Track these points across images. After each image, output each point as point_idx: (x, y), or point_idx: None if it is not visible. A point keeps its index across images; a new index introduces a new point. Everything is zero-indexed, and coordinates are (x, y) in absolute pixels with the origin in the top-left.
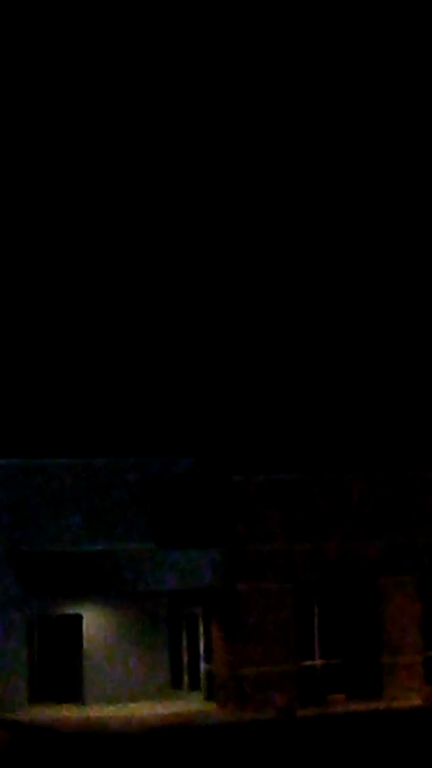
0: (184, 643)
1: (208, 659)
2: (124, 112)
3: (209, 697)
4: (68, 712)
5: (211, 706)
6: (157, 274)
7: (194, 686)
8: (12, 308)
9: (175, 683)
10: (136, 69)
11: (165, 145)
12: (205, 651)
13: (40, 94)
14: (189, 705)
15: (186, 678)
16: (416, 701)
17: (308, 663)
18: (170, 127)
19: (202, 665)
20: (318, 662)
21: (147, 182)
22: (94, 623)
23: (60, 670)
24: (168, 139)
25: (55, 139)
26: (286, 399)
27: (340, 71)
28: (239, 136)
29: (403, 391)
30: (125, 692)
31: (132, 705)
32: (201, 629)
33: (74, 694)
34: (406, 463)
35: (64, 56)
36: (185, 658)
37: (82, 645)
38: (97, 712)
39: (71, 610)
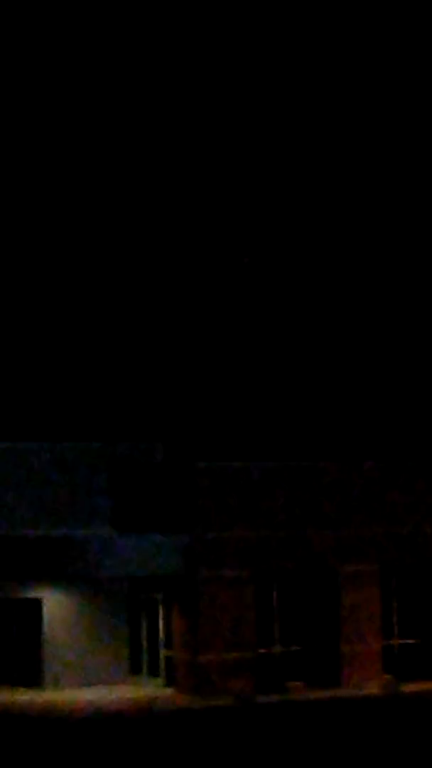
0: (144, 628)
1: (168, 645)
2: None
3: (168, 683)
4: (27, 696)
5: (170, 692)
6: (135, 265)
7: (154, 672)
8: None
9: (135, 669)
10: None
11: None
12: (164, 637)
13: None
14: (148, 690)
15: (145, 663)
16: (374, 690)
17: (268, 650)
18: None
19: (162, 651)
20: (277, 649)
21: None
22: (54, 607)
23: (19, 654)
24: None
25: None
26: (251, 387)
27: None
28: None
29: (372, 381)
30: (84, 677)
31: (91, 690)
32: (161, 615)
33: (33, 678)
34: (371, 454)
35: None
36: (145, 644)
37: (41, 629)
38: (55, 696)
39: (31, 594)
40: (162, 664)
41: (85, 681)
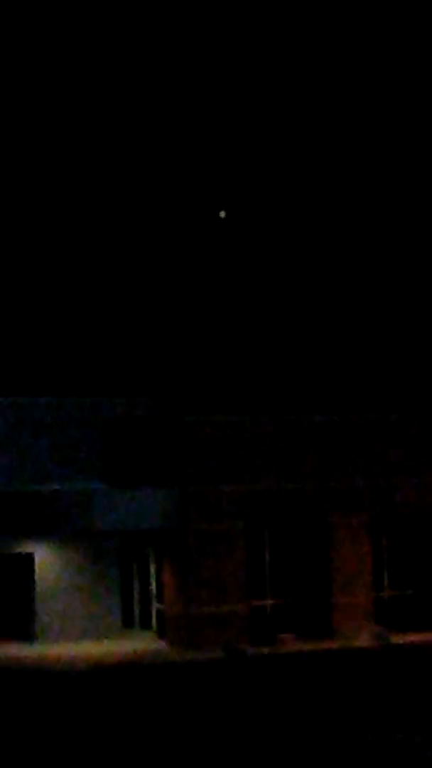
0: (136, 582)
1: (160, 598)
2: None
3: (160, 636)
4: (19, 650)
5: (162, 645)
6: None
7: (146, 625)
8: None
9: (127, 622)
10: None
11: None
12: (156, 590)
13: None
14: (140, 643)
15: (137, 617)
16: (365, 641)
17: (259, 602)
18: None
19: (154, 604)
20: (269, 602)
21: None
22: (46, 562)
23: (12, 608)
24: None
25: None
26: (239, 340)
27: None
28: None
29: (359, 332)
30: (77, 631)
31: (83, 643)
32: (152, 569)
33: (26, 632)
34: (359, 406)
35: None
36: (137, 597)
37: (34, 584)
38: (47, 650)
39: (23, 549)
40: (154, 617)
41: (77, 635)
